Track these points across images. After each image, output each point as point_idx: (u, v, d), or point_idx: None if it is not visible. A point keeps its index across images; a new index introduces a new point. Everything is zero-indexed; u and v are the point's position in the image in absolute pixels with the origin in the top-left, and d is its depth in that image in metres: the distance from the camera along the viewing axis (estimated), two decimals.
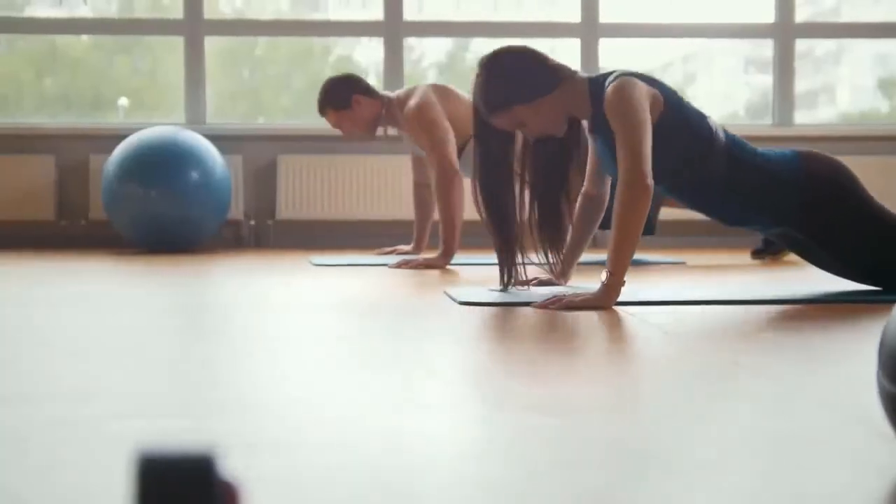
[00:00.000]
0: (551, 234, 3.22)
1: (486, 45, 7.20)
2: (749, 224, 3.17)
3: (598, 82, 3.04)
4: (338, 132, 6.25)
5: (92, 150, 6.04)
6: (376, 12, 6.36)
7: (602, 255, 3.10)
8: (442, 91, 4.71)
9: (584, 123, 3.16)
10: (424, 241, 5.10)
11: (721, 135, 3.04)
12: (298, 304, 3.06)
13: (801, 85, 6.75)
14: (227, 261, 4.91)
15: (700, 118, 3.04)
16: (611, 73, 3.04)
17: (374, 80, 6.29)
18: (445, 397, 1.67)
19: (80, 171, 6.07)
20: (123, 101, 6.92)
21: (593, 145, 3.21)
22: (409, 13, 6.43)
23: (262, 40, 7.11)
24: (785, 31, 6.43)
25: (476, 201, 3.20)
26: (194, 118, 6.23)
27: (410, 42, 6.88)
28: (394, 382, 1.79)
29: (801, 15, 6.60)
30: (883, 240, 3.04)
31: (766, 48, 6.60)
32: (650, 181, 2.84)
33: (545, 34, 6.62)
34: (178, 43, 6.30)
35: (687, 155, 3.00)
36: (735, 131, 3.17)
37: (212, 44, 6.52)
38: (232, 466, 1.19)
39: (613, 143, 2.94)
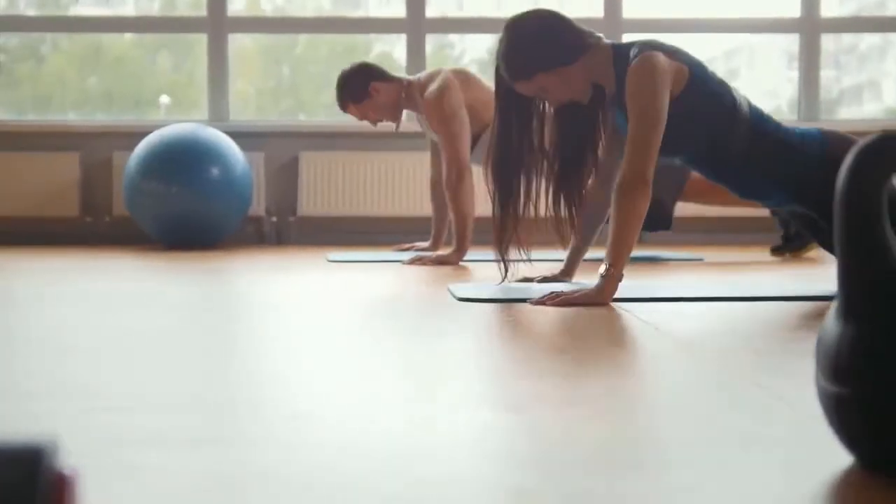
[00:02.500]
0: (568, 206, 3.17)
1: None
2: (766, 198, 3.12)
3: (622, 52, 2.99)
4: (359, 128, 6.26)
5: (116, 147, 6.08)
6: (433, 9, 6.36)
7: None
8: (463, 77, 4.68)
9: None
10: (442, 237, 5.09)
11: (745, 107, 3.01)
12: (304, 301, 3.07)
13: (846, 80, 6.66)
14: (246, 257, 4.94)
15: (724, 89, 3.00)
16: (636, 43, 3.02)
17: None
18: (414, 394, 1.67)
19: (104, 168, 6.12)
20: (165, 99, 6.98)
21: (613, 116, 3.17)
22: (450, 10, 6.44)
23: (303, 38, 7.14)
24: (810, 26, 6.36)
25: (486, 174, 3.15)
26: (217, 115, 6.26)
27: (452, 39, 6.89)
28: (366, 381, 1.80)
29: (846, 9, 6.51)
30: None
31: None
32: (650, 180, 2.82)
33: None
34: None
35: (710, 126, 2.97)
36: None
37: (253, 41, 6.56)
38: (68, 460, 1.19)
39: None
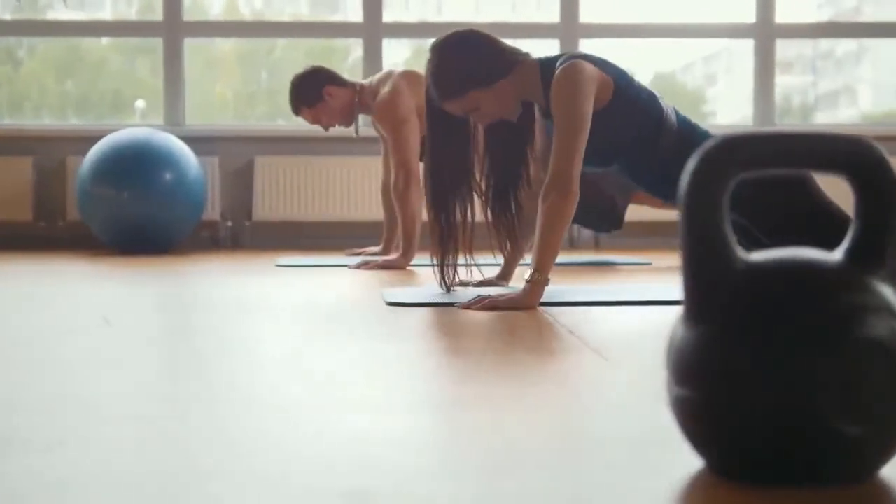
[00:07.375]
0: (506, 221, 3.19)
1: (517, 46, 7.27)
2: None
3: (548, 66, 3.02)
4: (314, 132, 6.26)
5: (69, 151, 6.06)
6: (397, 14, 6.36)
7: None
8: (414, 79, 4.70)
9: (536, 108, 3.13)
10: (393, 242, 5.09)
11: (672, 116, 3.04)
12: (234, 308, 3.06)
13: (822, 86, 6.68)
14: (196, 262, 4.92)
15: (651, 98, 3.03)
16: (562, 55, 3.04)
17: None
18: (290, 397, 1.67)
19: (58, 172, 6.09)
20: (141, 104, 6.97)
21: (544, 128, 3.18)
22: (433, 15, 6.47)
23: (281, 42, 7.15)
24: (765, 32, 6.39)
25: (425, 187, 3.16)
26: (173, 120, 6.24)
27: None
28: (250, 383, 1.80)
29: (824, 15, 6.52)
30: (824, 229, 2.94)
31: (790, 48, 6.54)
32: (576, 188, 2.81)
33: (523, 35, 6.61)
34: (199, 44, 6.37)
35: (638, 134, 3.00)
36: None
37: (230, 46, 6.55)
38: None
39: None
